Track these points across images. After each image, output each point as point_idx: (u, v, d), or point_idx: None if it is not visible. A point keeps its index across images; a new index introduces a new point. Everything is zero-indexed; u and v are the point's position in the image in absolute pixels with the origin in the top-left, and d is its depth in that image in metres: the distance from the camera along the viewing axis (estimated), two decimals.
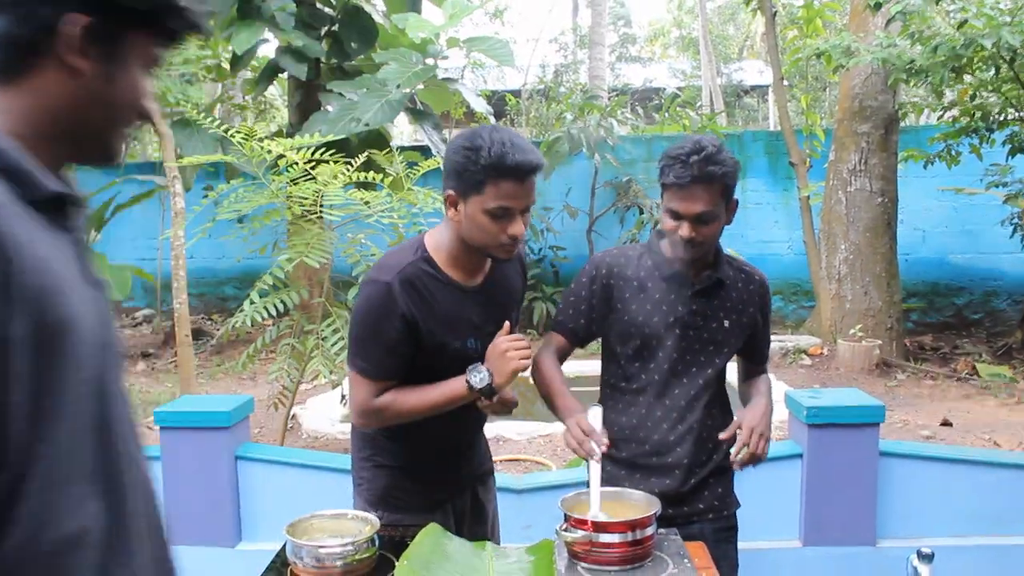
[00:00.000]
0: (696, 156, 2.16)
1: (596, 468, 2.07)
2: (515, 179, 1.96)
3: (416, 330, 2.05)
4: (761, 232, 10.36)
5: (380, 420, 2.14)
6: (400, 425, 2.16)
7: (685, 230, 2.22)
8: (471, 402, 2.10)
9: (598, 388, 2.50)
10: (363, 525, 1.94)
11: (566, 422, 2.21)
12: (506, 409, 2.21)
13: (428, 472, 2.26)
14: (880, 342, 7.85)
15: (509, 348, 2.05)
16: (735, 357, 2.50)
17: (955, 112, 8.18)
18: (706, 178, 2.17)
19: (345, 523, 1.96)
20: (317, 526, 1.96)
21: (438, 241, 2.13)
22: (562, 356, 2.47)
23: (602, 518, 1.94)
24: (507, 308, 2.25)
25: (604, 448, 2.12)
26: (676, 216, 2.23)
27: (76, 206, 1.04)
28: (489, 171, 1.94)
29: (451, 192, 2.02)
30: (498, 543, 2.45)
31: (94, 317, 0.98)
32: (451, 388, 2.08)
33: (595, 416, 2.21)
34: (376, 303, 2.05)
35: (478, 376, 2.06)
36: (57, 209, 1.00)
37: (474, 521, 2.39)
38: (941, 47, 6.67)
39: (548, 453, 5.38)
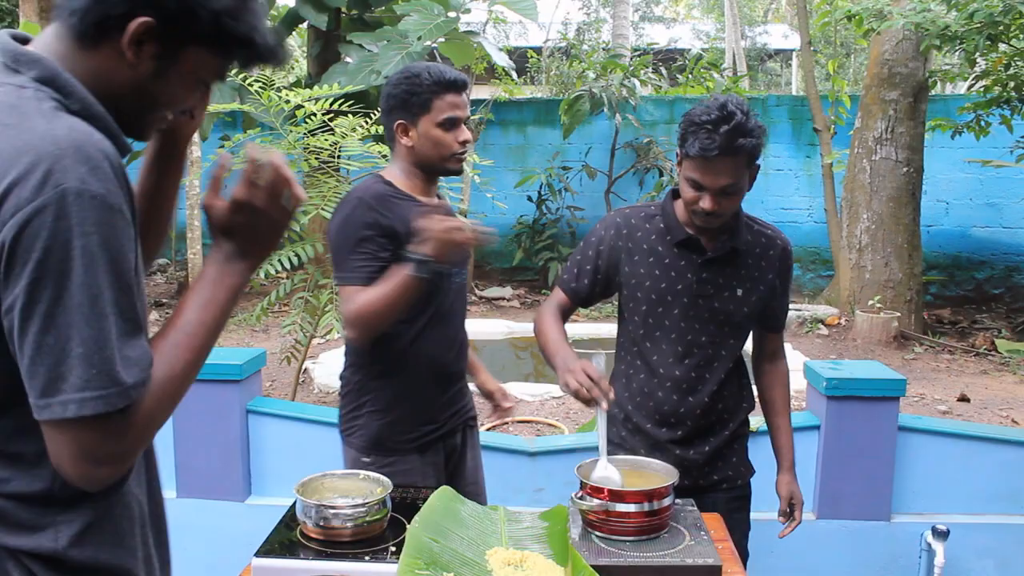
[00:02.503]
0: (725, 126, 2.04)
1: (603, 416, 2.00)
2: (455, 91, 2.27)
3: (394, 234, 2.20)
4: (782, 199, 10.24)
5: (361, 322, 2.19)
6: (388, 365, 2.30)
7: (707, 202, 2.12)
8: (420, 285, 2.14)
9: (610, 352, 2.45)
10: (375, 486, 1.90)
11: (568, 366, 2.08)
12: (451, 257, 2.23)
13: (420, 411, 2.36)
14: (899, 314, 7.76)
15: (441, 224, 2.10)
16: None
17: (986, 82, 7.99)
18: (733, 151, 2.06)
19: (357, 483, 1.93)
20: (328, 485, 1.92)
21: (392, 172, 2.36)
22: (564, 314, 2.40)
23: (614, 477, 1.89)
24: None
25: (612, 397, 2.01)
26: (697, 187, 2.13)
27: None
28: (434, 88, 2.24)
29: (401, 121, 2.28)
30: (483, 495, 2.58)
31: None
32: (400, 272, 2.14)
33: (599, 362, 2.10)
34: (350, 215, 2.23)
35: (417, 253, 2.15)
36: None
37: (463, 462, 2.52)
38: (978, 13, 6.49)
39: (560, 416, 5.36)
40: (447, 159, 2.30)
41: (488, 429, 4.96)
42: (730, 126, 2.04)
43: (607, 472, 1.92)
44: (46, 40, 1.21)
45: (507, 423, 5.19)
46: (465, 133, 2.31)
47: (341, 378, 2.44)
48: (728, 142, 2.04)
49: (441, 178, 2.44)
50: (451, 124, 2.27)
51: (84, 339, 1.07)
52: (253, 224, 1.28)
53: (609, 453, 2.06)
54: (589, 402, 2.01)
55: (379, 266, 2.19)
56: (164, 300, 9.29)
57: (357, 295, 2.17)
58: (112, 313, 1.09)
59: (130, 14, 1.16)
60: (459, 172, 2.40)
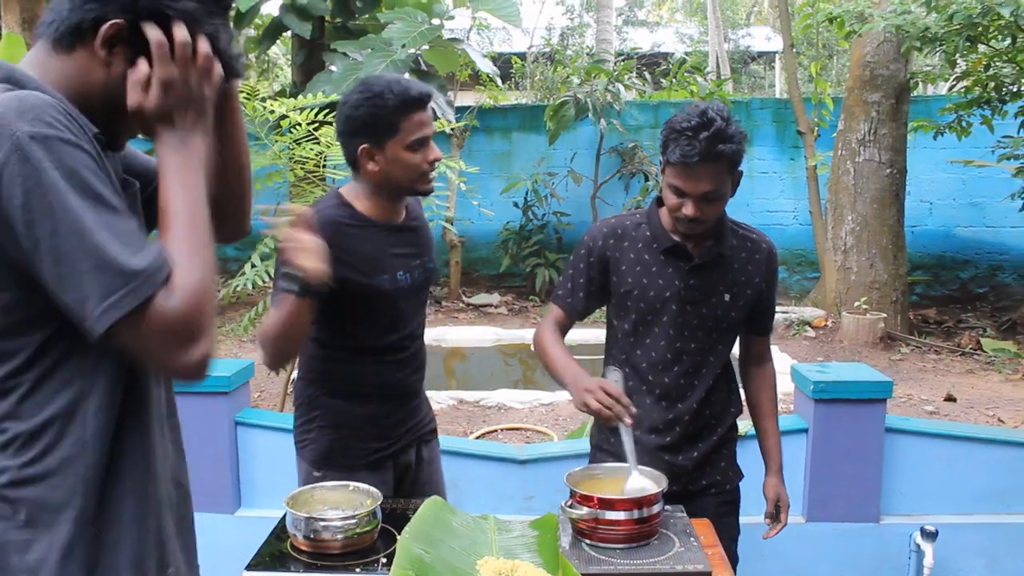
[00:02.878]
0: (705, 132, 2.05)
1: (628, 434, 2.01)
2: (422, 109, 2.13)
3: (347, 266, 2.09)
4: (767, 202, 10.28)
5: (267, 350, 2.07)
6: (340, 381, 2.25)
7: (689, 208, 2.14)
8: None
9: (599, 357, 2.46)
10: (365, 498, 1.90)
11: (585, 385, 2.09)
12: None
13: (371, 428, 2.28)
14: (885, 315, 7.81)
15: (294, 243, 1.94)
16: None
17: (967, 83, 8.05)
18: (714, 157, 2.07)
19: (346, 495, 1.93)
20: (318, 498, 1.92)
21: (353, 191, 2.22)
22: (563, 329, 2.41)
23: (646, 487, 1.89)
24: (429, 241, 2.40)
25: (634, 412, 2.04)
26: (680, 193, 2.15)
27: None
28: (400, 109, 2.09)
29: (365, 146, 2.12)
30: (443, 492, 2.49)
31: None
32: (281, 295, 2.02)
33: (617, 380, 2.14)
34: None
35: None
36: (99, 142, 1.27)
37: (418, 479, 2.42)
38: (957, 15, 6.54)
39: (549, 423, 5.36)
40: (416, 180, 2.18)
41: (477, 437, 4.96)
42: (710, 132, 2.05)
43: (641, 483, 1.93)
44: (29, 57, 1.29)
45: (496, 431, 5.19)
46: (435, 151, 2.18)
47: (295, 389, 2.39)
48: (708, 148, 2.05)
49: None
50: (420, 144, 2.13)
51: (87, 254, 1.14)
52: (185, 96, 1.29)
53: (599, 460, 2.07)
54: (610, 420, 2.03)
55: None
56: None
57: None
58: (102, 227, 1.15)
59: (102, 18, 1.23)
60: (429, 192, 2.26)
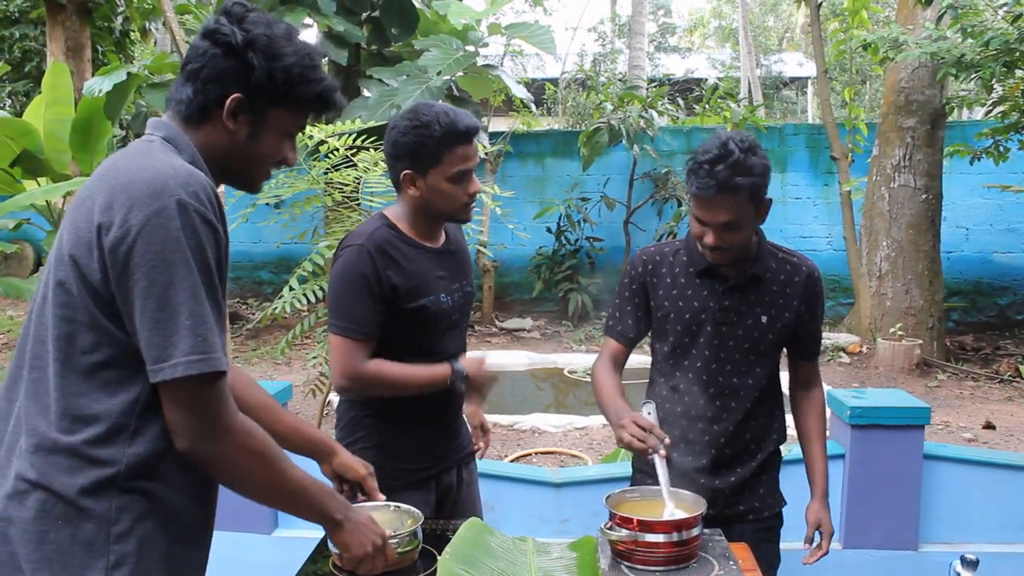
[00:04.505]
0: (722, 164, 2.06)
1: (662, 464, 2.02)
2: (467, 141, 2.16)
3: (394, 289, 2.17)
4: (800, 227, 10.23)
5: (364, 386, 2.22)
6: (385, 403, 2.27)
7: (710, 237, 2.16)
8: (447, 386, 2.25)
9: (641, 381, 2.47)
10: (406, 517, 1.92)
11: (619, 420, 2.14)
12: (481, 393, 2.42)
13: (415, 449, 2.31)
14: (920, 341, 7.73)
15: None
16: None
17: (1004, 108, 7.99)
18: (731, 189, 2.08)
19: (388, 515, 1.95)
20: None
21: (397, 214, 2.28)
22: (618, 361, 2.42)
23: (682, 515, 1.90)
24: (468, 266, 2.45)
25: (667, 443, 2.06)
26: (701, 223, 2.18)
27: None
28: (444, 141, 2.13)
29: (408, 172, 2.18)
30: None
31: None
32: (435, 369, 2.23)
33: (650, 412, 2.17)
34: (352, 263, 2.17)
35: (459, 364, 2.26)
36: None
37: (460, 500, 2.44)
38: (993, 41, 6.52)
39: (584, 447, 5.36)
40: (456, 211, 2.24)
41: (512, 460, 4.97)
42: (726, 165, 2.07)
43: (676, 515, 1.93)
44: (164, 121, 1.53)
45: (530, 454, 5.20)
46: (475, 184, 2.23)
47: (336, 412, 2.42)
48: (725, 181, 2.07)
49: None
50: (462, 176, 2.18)
51: (191, 313, 1.35)
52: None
53: (639, 482, 2.08)
54: (643, 452, 2.06)
55: (379, 319, 2.17)
56: None
57: (358, 353, 2.17)
58: (208, 299, 1.38)
59: (224, 96, 1.48)
60: (468, 220, 2.32)
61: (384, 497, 1.98)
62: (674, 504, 1.96)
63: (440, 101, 2.24)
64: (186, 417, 1.38)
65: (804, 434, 2.48)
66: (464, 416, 2.50)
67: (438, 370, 2.23)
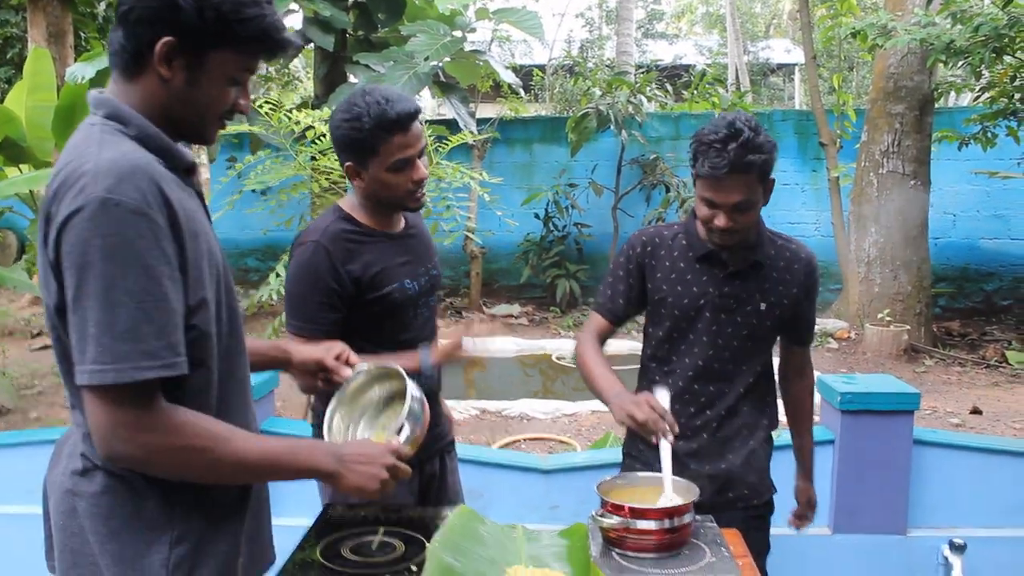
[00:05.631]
0: (733, 143, 2.04)
1: (667, 448, 2.01)
2: (402, 131, 2.07)
3: (355, 281, 2.13)
4: (789, 213, 10.24)
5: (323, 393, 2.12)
6: None
7: (721, 220, 2.14)
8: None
9: (629, 367, 2.46)
10: (390, 386, 1.86)
11: (631, 399, 2.11)
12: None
13: None
14: (908, 327, 7.75)
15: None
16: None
17: (992, 93, 8.00)
18: (743, 168, 2.06)
19: (369, 392, 1.90)
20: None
21: (352, 203, 2.24)
22: (603, 337, 2.41)
23: (677, 501, 1.89)
24: (430, 249, 2.39)
25: (677, 430, 2.05)
26: (711, 205, 2.14)
27: (196, 169, 1.52)
28: (377, 133, 2.05)
29: (349, 164, 2.14)
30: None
31: (215, 247, 1.49)
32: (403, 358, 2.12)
33: (663, 397, 2.14)
34: (307, 261, 2.12)
35: (426, 362, 2.20)
36: (188, 172, 1.48)
37: (443, 488, 2.42)
38: (983, 27, 6.52)
39: (572, 432, 5.35)
40: (402, 198, 2.18)
41: (500, 447, 4.96)
42: (738, 143, 2.05)
43: (673, 501, 1.92)
44: (111, 87, 1.44)
45: (519, 441, 5.18)
46: (420, 170, 2.15)
47: (312, 409, 2.38)
48: (737, 159, 2.05)
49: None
50: (402, 165, 2.11)
51: (97, 322, 1.27)
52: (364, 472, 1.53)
53: (630, 468, 2.07)
54: (653, 435, 2.04)
55: (337, 316, 2.13)
56: None
57: None
58: (128, 303, 1.28)
59: (154, 40, 1.36)
60: (418, 208, 2.27)
61: (351, 369, 1.89)
62: (672, 491, 1.94)
63: (361, 91, 2.14)
64: (97, 425, 1.32)
65: (794, 418, 2.52)
66: (442, 405, 2.47)
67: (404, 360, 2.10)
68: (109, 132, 1.37)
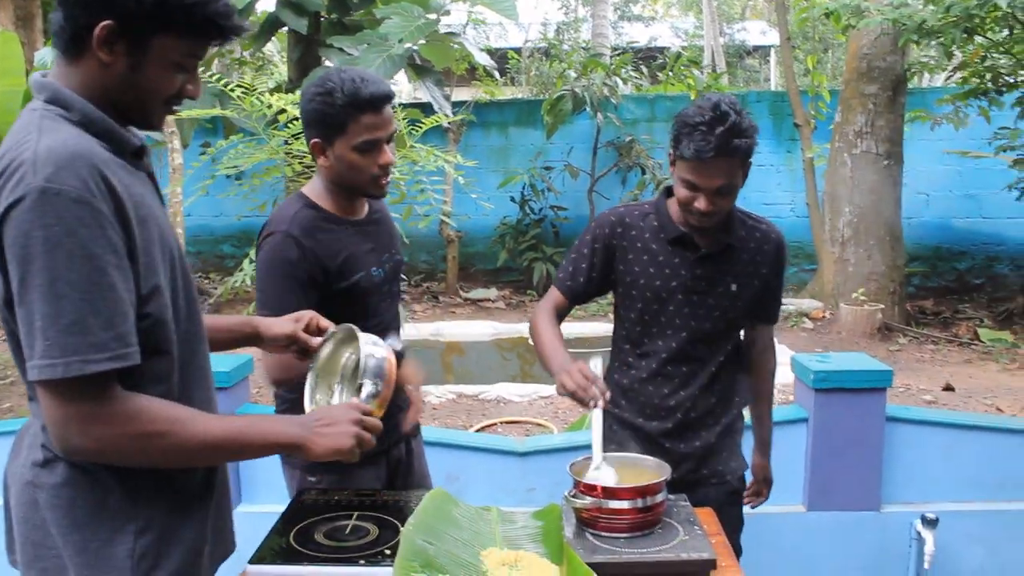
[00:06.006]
0: (720, 126, 2.03)
1: (599, 416, 2.00)
2: (373, 111, 2.05)
3: (325, 272, 2.10)
4: (764, 194, 10.27)
5: (289, 382, 2.11)
6: None
7: (702, 203, 2.13)
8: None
9: (595, 350, 2.46)
10: (346, 348, 1.83)
11: (564, 368, 2.09)
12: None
13: None
14: (882, 306, 7.81)
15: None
16: None
17: (964, 73, 8.06)
18: (729, 151, 2.06)
19: (335, 359, 1.85)
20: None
21: (317, 190, 2.20)
22: (560, 313, 2.40)
23: (609, 476, 1.89)
24: (394, 234, 2.38)
25: (608, 397, 2.03)
26: (693, 187, 2.13)
27: (147, 151, 1.47)
28: (348, 109, 2.03)
29: (316, 140, 2.10)
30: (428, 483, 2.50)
31: (168, 231, 1.45)
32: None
33: (596, 365, 2.11)
34: (278, 251, 2.09)
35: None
36: (136, 155, 1.43)
37: (409, 472, 2.41)
38: (954, 7, 6.55)
39: (549, 415, 5.36)
40: (366, 183, 2.14)
41: (477, 430, 4.96)
42: (725, 127, 2.03)
43: (602, 473, 1.92)
44: (54, 68, 1.41)
45: (495, 424, 5.19)
46: (387, 155, 2.11)
47: (275, 396, 2.35)
48: (723, 143, 2.04)
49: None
50: (369, 147, 2.08)
51: (42, 315, 1.24)
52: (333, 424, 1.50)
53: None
54: (585, 403, 2.02)
55: (309, 306, 2.05)
56: None
57: None
58: (72, 295, 1.24)
59: (94, 22, 1.31)
60: (381, 196, 2.24)
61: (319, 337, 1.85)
62: (601, 459, 1.94)
63: (337, 69, 2.10)
64: (51, 420, 1.30)
65: (756, 395, 2.54)
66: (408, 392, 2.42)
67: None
68: (50, 118, 1.32)
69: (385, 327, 2.25)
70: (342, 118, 2.04)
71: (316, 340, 1.84)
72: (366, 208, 2.28)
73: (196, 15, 1.35)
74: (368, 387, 1.65)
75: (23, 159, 1.25)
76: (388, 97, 2.08)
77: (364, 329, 2.01)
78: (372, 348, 1.69)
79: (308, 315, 1.86)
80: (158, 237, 1.40)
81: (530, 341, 2.41)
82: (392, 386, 1.69)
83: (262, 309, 2.11)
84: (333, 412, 1.55)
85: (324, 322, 1.86)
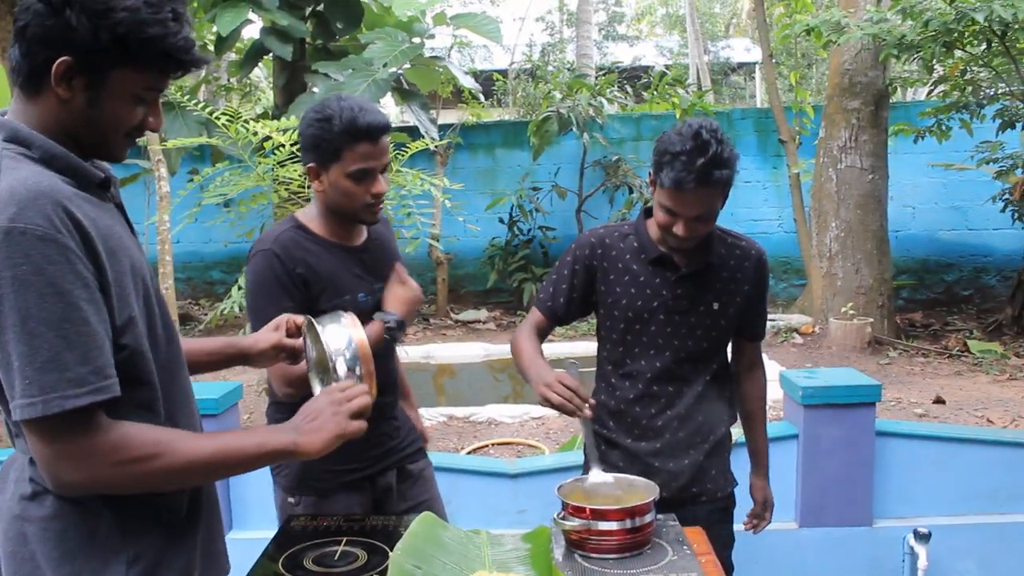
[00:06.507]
0: (701, 158, 2.03)
1: (588, 424, 2.02)
2: (369, 140, 2.09)
3: (306, 285, 2.13)
4: (751, 210, 10.32)
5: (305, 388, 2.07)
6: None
7: (681, 229, 2.14)
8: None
9: (588, 370, 2.46)
10: (336, 331, 1.71)
11: (544, 380, 2.09)
12: None
13: (340, 450, 2.20)
14: (871, 320, 7.84)
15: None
16: None
17: (945, 87, 8.13)
18: (710, 183, 2.07)
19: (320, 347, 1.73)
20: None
21: (309, 214, 2.25)
22: (542, 333, 2.40)
23: (608, 481, 1.89)
24: (390, 263, 2.35)
25: (592, 403, 2.04)
26: (672, 214, 2.14)
27: (114, 182, 1.47)
28: (344, 137, 2.06)
29: (312, 165, 2.14)
30: (439, 508, 2.45)
31: (139, 261, 1.44)
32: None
33: (574, 374, 2.11)
34: (262, 270, 2.13)
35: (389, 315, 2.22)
36: (102, 186, 1.42)
37: (404, 499, 2.37)
38: (932, 21, 6.61)
39: (540, 436, 5.35)
40: (358, 211, 2.17)
41: (468, 452, 4.95)
42: (706, 158, 2.04)
43: (602, 478, 1.93)
44: (12, 105, 1.39)
45: (487, 446, 5.18)
46: (380, 185, 2.15)
47: (266, 415, 2.36)
48: (704, 175, 2.05)
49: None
50: (363, 175, 2.11)
51: (18, 355, 1.23)
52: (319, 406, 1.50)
53: (589, 470, 2.07)
54: (572, 413, 2.02)
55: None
56: None
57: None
58: (46, 332, 1.23)
59: (51, 59, 1.30)
60: (372, 223, 2.26)
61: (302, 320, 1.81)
62: (601, 468, 1.95)
63: (378, 99, 2.14)
64: (40, 458, 1.29)
65: (748, 414, 2.53)
66: (400, 416, 2.43)
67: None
68: (10, 156, 1.31)
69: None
70: (337, 145, 2.07)
71: (298, 342, 1.83)
72: (364, 235, 2.29)
73: (154, 49, 1.33)
74: (341, 368, 1.61)
75: None
76: (385, 128, 2.12)
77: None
78: (333, 331, 1.66)
79: (283, 319, 1.85)
80: (129, 267, 1.38)
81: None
82: (370, 358, 1.64)
83: (254, 329, 2.09)
84: (315, 405, 1.53)
85: (298, 319, 1.84)
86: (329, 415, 1.50)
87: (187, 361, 1.62)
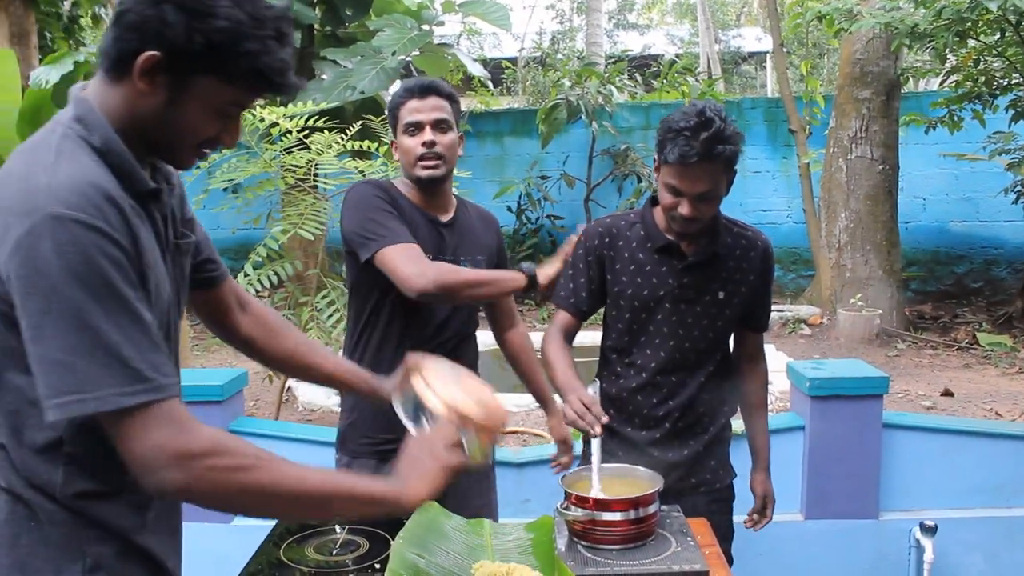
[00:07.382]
0: (705, 132, 2.04)
1: (596, 444, 2.01)
2: (418, 96, 2.33)
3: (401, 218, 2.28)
4: (760, 200, 10.28)
5: (444, 284, 2.18)
6: (368, 366, 2.12)
7: (685, 208, 2.14)
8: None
9: (595, 358, 2.45)
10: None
11: (566, 397, 2.14)
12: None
13: (376, 417, 2.28)
14: (880, 311, 7.80)
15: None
16: None
17: (957, 77, 8.06)
18: (712, 157, 2.07)
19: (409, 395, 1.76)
20: None
21: (401, 182, 2.44)
22: (570, 333, 2.40)
23: (602, 496, 1.89)
24: (477, 251, 2.45)
25: (604, 421, 2.05)
26: (676, 193, 2.14)
27: (168, 192, 1.41)
28: (396, 99, 2.36)
29: (393, 139, 2.40)
30: (493, 514, 2.49)
31: (164, 282, 1.37)
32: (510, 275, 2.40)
33: (594, 391, 2.16)
34: (366, 190, 2.32)
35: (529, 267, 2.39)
36: (147, 197, 1.34)
37: (456, 491, 2.31)
38: (946, 10, 6.55)
39: (545, 426, 5.34)
40: (412, 164, 2.32)
41: None
42: (709, 133, 2.05)
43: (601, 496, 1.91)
44: (94, 85, 1.35)
45: None
46: (426, 134, 2.30)
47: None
48: (707, 149, 2.05)
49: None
50: (413, 129, 2.31)
51: (64, 348, 1.15)
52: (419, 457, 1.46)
53: (588, 461, 2.06)
54: (584, 430, 2.05)
55: (408, 231, 2.23)
56: None
57: (421, 257, 2.19)
58: (97, 324, 1.16)
59: (140, 50, 1.25)
60: (425, 180, 2.31)
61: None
62: (600, 487, 1.93)
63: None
64: (127, 454, 1.20)
65: (748, 406, 2.50)
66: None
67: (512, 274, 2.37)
68: (71, 139, 1.26)
69: (455, 333, 2.39)
70: (395, 108, 2.35)
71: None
72: (451, 213, 2.42)
73: (247, 65, 1.28)
74: (424, 421, 1.65)
75: (38, 184, 1.19)
76: (431, 87, 2.34)
77: (428, 338, 2.24)
78: (415, 390, 1.66)
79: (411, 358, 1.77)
80: (154, 287, 1.32)
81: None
82: (456, 394, 1.63)
83: (369, 237, 2.21)
84: (413, 453, 1.49)
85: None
86: (445, 467, 1.48)
87: (307, 367, 1.70)
